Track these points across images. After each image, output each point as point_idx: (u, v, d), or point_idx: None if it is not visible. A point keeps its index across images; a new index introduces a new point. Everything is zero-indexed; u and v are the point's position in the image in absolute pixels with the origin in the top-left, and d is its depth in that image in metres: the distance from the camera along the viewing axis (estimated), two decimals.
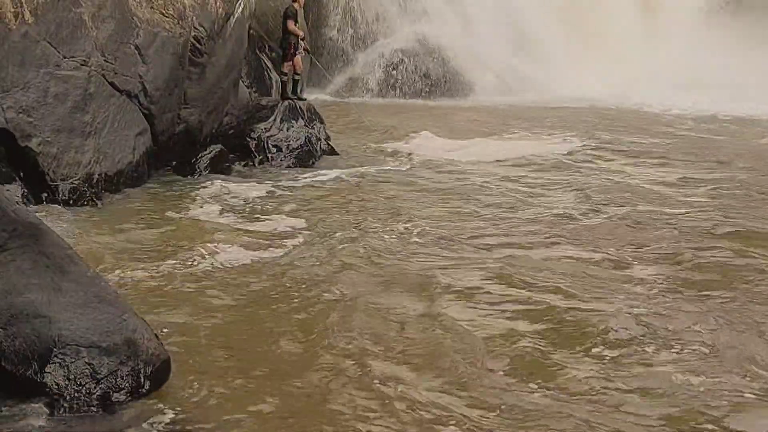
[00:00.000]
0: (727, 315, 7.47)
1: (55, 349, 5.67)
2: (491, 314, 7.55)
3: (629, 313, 7.43)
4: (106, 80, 11.34)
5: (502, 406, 5.86)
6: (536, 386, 6.15)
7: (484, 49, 22.81)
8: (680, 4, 26.69)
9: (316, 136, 14.12)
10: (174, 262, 8.71)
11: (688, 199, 11.70)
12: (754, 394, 6.12)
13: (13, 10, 10.21)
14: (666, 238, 9.70)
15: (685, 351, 6.77)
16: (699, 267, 8.77)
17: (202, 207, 10.99)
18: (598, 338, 6.96)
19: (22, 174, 10.27)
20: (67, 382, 5.63)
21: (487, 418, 5.72)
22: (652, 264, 8.85)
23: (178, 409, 5.73)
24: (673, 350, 6.77)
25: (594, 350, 6.76)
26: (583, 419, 5.70)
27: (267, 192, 11.90)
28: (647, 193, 12.02)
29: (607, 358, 6.64)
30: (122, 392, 5.75)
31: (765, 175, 13.15)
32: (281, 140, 13.82)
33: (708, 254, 9.17)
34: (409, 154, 14.71)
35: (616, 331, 7.07)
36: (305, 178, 12.76)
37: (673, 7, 26.63)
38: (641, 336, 7.00)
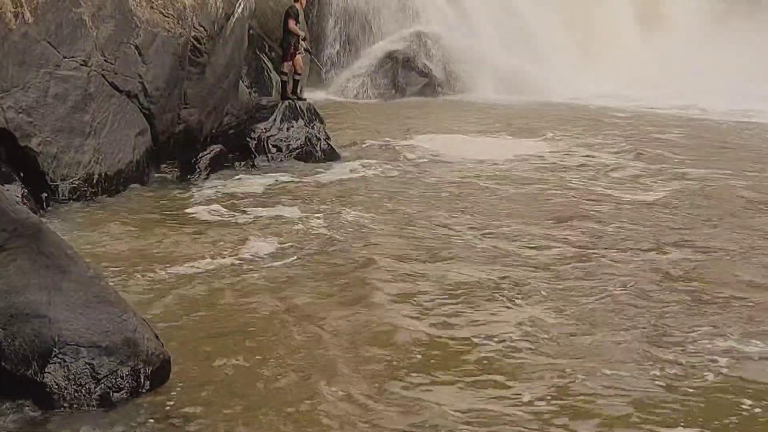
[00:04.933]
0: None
1: (55, 349, 5.68)
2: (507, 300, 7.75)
3: None
4: (106, 80, 11.35)
5: None
6: None
7: (484, 49, 22.78)
8: (682, 5, 26.59)
9: (316, 136, 14.12)
10: (174, 261, 8.71)
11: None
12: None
13: (13, 10, 10.21)
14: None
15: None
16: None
17: (201, 207, 10.99)
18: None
19: (22, 174, 10.27)
20: (67, 382, 5.64)
21: None
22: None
23: (178, 409, 5.73)
24: None
25: None
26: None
27: (267, 192, 11.90)
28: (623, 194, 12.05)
29: None
30: (122, 392, 5.76)
31: None
32: (281, 140, 13.82)
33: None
34: (409, 153, 14.68)
35: None
36: (305, 178, 12.75)
37: (675, 8, 26.56)
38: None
